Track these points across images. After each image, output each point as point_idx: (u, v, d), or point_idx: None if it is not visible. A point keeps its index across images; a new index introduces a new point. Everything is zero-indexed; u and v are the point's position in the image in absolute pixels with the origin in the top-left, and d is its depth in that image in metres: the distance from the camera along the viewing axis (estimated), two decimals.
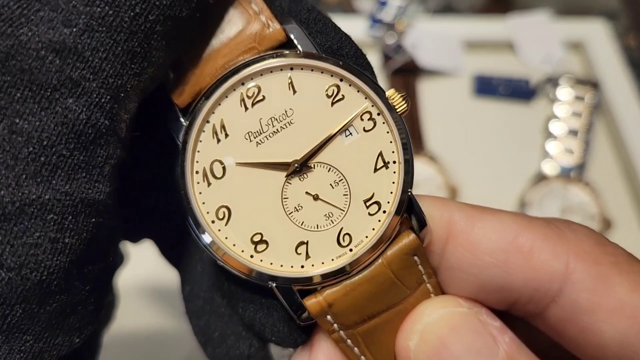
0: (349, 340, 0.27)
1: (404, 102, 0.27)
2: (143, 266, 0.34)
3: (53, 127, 0.22)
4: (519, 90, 0.97)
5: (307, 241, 0.26)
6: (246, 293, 0.28)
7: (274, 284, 0.26)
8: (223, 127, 0.26)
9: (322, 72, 0.26)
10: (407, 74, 0.97)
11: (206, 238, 0.26)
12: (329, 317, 0.26)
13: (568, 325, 0.25)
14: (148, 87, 0.25)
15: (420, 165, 0.85)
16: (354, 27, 1.01)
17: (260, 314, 0.28)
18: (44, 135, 0.22)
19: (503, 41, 1.01)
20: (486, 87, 0.97)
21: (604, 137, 0.93)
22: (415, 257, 0.27)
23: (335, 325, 0.26)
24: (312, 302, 0.26)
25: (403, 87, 0.96)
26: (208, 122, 0.26)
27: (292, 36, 0.26)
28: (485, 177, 0.88)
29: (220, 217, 0.26)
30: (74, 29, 0.22)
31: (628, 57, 1.00)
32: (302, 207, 0.26)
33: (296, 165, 0.26)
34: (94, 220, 0.24)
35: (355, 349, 0.27)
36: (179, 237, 0.33)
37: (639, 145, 0.87)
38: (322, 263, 0.26)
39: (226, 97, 0.26)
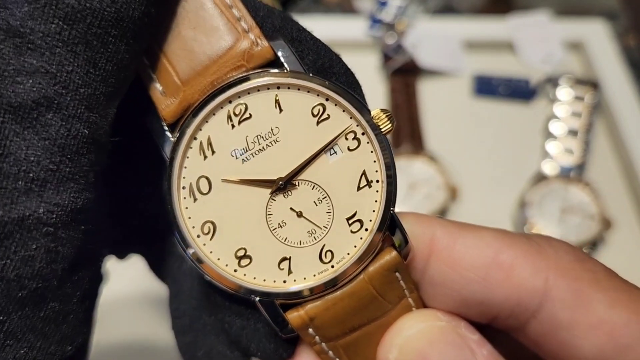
0: (330, 352, 0.28)
1: (388, 121, 0.27)
2: (134, 276, 0.34)
3: (36, 143, 0.23)
4: (519, 91, 0.97)
5: (290, 257, 0.27)
6: (233, 308, 0.28)
7: (257, 298, 0.26)
8: (210, 144, 0.26)
9: (308, 92, 0.27)
10: (407, 74, 0.97)
11: (191, 252, 0.26)
12: (310, 330, 0.27)
13: (548, 340, 0.26)
14: (120, 89, 0.26)
15: (420, 165, 0.85)
16: (354, 27, 1.01)
17: (247, 330, 0.28)
18: (30, 152, 0.23)
19: (503, 41, 1.01)
20: (486, 87, 0.97)
21: (604, 137, 0.93)
22: (397, 274, 0.27)
23: (317, 337, 0.27)
24: (294, 316, 0.27)
25: (403, 87, 0.96)
26: (195, 138, 0.26)
27: (280, 55, 0.27)
28: (485, 177, 0.88)
29: (206, 232, 0.27)
30: (38, 51, 0.23)
31: (628, 57, 1.00)
32: (285, 223, 0.27)
33: (280, 182, 0.26)
34: (83, 227, 0.25)
35: None
36: (167, 252, 0.33)
37: (639, 145, 0.87)
38: (304, 278, 0.27)
39: (213, 114, 0.26)
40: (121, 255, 0.35)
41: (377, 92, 0.97)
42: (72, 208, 0.24)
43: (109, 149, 0.26)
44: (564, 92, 0.94)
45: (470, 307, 0.27)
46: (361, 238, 0.27)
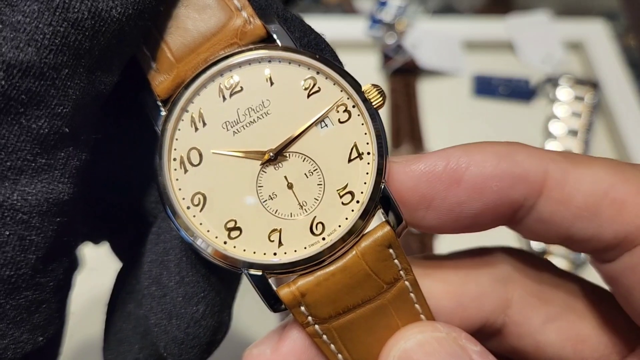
0: (324, 336, 0.27)
1: (379, 96, 0.27)
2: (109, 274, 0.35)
3: (18, 136, 0.24)
4: (519, 91, 0.97)
5: (280, 229, 0.27)
6: (179, 294, 0.29)
7: (246, 271, 0.26)
8: (201, 116, 0.27)
9: (299, 65, 0.27)
10: (407, 74, 0.97)
11: (181, 223, 0.26)
12: (302, 308, 0.26)
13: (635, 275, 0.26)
14: (104, 91, 0.26)
15: None
16: (354, 27, 1.01)
17: (162, 328, 0.29)
18: (9, 143, 0.24)
19: (503, 41, 1.01)
20: (486, 87, 0.97)
21: (604, 137, 0.93)
22: (391, 250, 0.27)
23: (309, 318, 0.27)
24: (285, 292, 0.26)
25: (403, 87, 0.96)
26: (187, 111, 0.27)
27: (272, 31, 0.27)
28: None
29: (196, 203, 0.26)
30: (38, 48, 0.23)
31: (627, 57, 1.00)
32: (276, 195, 0.27)
33: (271, 154, 0.26)
34: (58, 219, 0.26)
35: (332, 345, 0.27)
36: (136, 237, 0.33)
37: (638, 145, 0.87)
38: (295, 251, 0.26)
39: (205, 87, 0.27)
40: (96, 240, 0.36)
41: None
42: (47, 198, 0.25)
43: (90, 145, 0.27)
44: (564, 92, 0.94)
45: (575, 243, 0.27)
46: (352, 210, 0.27)
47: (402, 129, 0.92)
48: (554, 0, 1.15)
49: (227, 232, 0.26)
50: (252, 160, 0.27)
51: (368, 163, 0.27)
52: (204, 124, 0.27)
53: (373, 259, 0.27)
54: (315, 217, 0.27)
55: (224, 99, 0.27)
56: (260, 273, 0.26)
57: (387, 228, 0.27)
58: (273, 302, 0.27)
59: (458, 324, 0.28)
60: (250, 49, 0.27)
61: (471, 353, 0.26)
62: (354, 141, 0.27)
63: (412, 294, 0.28)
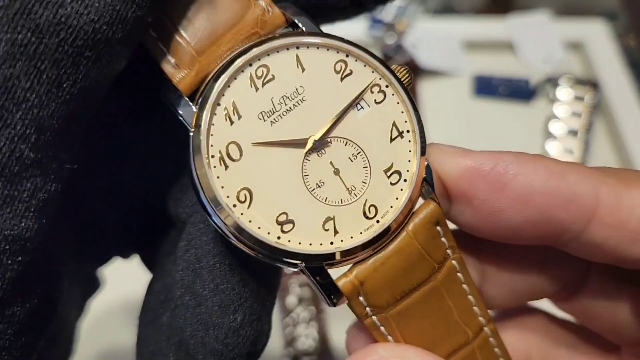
0: (382, 327, 0.26)
1: (408, 75, 0.27)
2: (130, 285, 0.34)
3: None
4: (519, 91, 0.97)
5: (334, 216, 0.26)
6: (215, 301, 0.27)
7: (304, 265, 0.25)
8: (235, 108, 0.25)
9: (327, 49, 0.26)
10: None
11: (229, 223, 0.25)
12: (361, 298, 0.26)
13: None
14: (87, 112, 0.24)
15: None
16: (353, 27, 1.01)
17: (199, 339, 0.27)
18: None
19: (503, 41, 1.01)
20: (486, 87, 0.97)
21: (604, 137, 0.93)
22: (438, 228, 0.26)
23: (367, 308, 0.26)
24: (343, 282, 0.25)
25: None
26: (219, 104, 0.25)
27: (294, 18, 0.27)
28: None
29: (242, 200, 0.25)
30: None
31: (628, 58, 1.00)
32: (323, 183, 0.26)
33: (314, 141, 0.26)
34: (20, 258, 0.23)
35: (390, 337, 0.27)
36: (167, 245, 0.32)
37: (639, 146, 0.87)
38: (351, 237, 0.26)
39: (235, 78, 0.25)
40: (125, 254, 0.34)
41: None
42: (6, 235, 0.22)
43: (66, 176, 0.24)
44: (564, 92, 0.94)
45: (628, 264, 0.26)
46: (401, 189, 0.26)
47: None
48: (554, 0, 1.15)
49: (279, 227, 0.25)
50: (295, 149, 0.26)
51: (409, 141, 0.27)
52: (239, 117, 0.25)
53: (424, 237, 0.26)
54: (366, 200, 0.26)
55: (257, 89, 0.26)
56: (318, 265, 0.25)
57: (433, 204, 0.26)
58: (333, 295, 0.25)
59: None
60: (276, 37, 0.26)
61: None
62: (393, 120, 0.27)
63: (459, 274, 0.27)
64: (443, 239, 0.27)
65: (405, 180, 0.26)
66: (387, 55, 0.98)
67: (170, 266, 0.30)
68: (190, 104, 0.26)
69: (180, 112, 0.26)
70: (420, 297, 0.27)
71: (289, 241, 0.25)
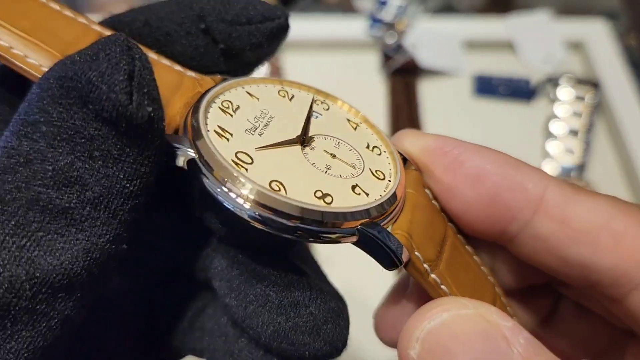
0: (443, 287, 0.26)
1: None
2: None
3: None
4: (519, 90, 0.96)
5: (356, 184, 0.27)
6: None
7: (361, 226, 0.25)
8: (223, 129, 0.26)
9: (265, 85, 0.30)
10: (407, 74, 0.97)
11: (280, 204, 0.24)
12: (417, 253, 0.26)
13: None
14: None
15: None
16: (353, 26, 1.00)
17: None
18: None
19: (503, 41, 1.01)
20: (486, 87, 0.97)
21: (605, 137, 0.93)
22: (427, 191, 0.29)
23: (425, 265, 0.26)
24: (398, 234, 0.25)
25: (403, 87, 0.96)
26: (208, 130, 0.26)
27: (222, 77, 0.29)
28: None
29: (277, 189, 0.25)
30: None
31: (629, 57, 0.99)
32: (330, 166, 0.27)
33: (302, 137, 0.28)
34: None
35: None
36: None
37: (639, 146, 0.87)
38: (380, 195, 0.27)
39: (208, 112, 0.27)
40: None
41: (377, 92, 0.97)
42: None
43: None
44: (565, 92, 0.94)
45: (572, 268, 0.26)
46: (387, 157, 0.29)
47: (402, 128, 0.91)
48: (554, 0, 1.14)
49: (321, 200, 0.25)
50: (292, 146, 0.27)
51: (367, 128, 0.30)
52: (231, 134, 0.26)
53: (423, 195, 0.28)
54: (370, 168, 0.28)
55: (231, 115, 0.27)
56: (372, 221, 0.25)
57: (414, 171, 0.29)
58: (395, 247, 0.25)
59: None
60: (219, 84, 0.28)
61: (504, 330, 0.23)
62: (345, 117, 0.30)
63: (458, 235, 0.29)
64: (434, 201, 0.29)
65: (385, 151, 0.29)
66: (387, 55, 0.98)
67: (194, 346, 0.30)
68: (179, 139, 0.26)
69: (175, 148, 0.25)
70: (450, 252, 0.28)
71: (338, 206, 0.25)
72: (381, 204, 0.26)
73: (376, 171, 0.28)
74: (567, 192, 0.27)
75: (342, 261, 0.59)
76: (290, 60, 0.97)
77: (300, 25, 0.99)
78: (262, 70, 0.94)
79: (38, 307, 0.20)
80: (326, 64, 0.98)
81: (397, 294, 0.32)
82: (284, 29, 0.30)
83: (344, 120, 0.30)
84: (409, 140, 0.30)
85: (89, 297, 0.23)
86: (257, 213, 0.24)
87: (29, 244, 0.20)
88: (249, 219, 0.24)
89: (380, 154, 0.29)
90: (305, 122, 0.28)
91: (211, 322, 0.29)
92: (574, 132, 0.91)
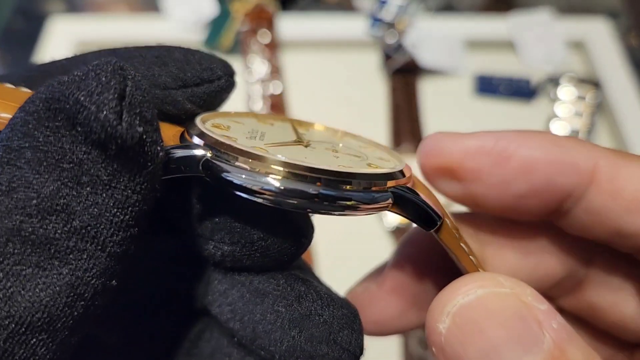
0: (471, 257, 0.26)
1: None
2: None
3: None
4: (520, 90, 0.96)
5: (370, 162, 0.27)
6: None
7: (394, 187, 0.24)
8: (227, 137, 0.25)
9: (242, 117, 0.29)
10: (408, 73, 0.97)
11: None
12: (446, 219, 0.25)
13: None
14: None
15: None
16: (354, 26, 1.00)
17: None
18: None
19: (504, 40, 1.01)
20: (487, 86, 0.97)
21: (606, 137, 0.92)
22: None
23: (454, 231, 0.26)
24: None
25: (403, 86, 0.96)
26: (214, 133, 0.25)
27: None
28: None
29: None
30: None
31: (630, 57, 0.99)
32: (337, 156, 0.27)
33: (301, 139, 0.27)
34: None
35: (473, 259, 0.26)
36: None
37: None
38: (395, 165, 0.27)
39: (205, 125, 0.25)
40: None
41: (377, 92, 0.96)
42: None
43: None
44: (566, 92, 0.94)
45: (625, 238, 0.26)
46: (385, 152, 0.30)
47: (402, 128, 0.91)
48: None
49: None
50: (297, 145, 0.27)
51: (352, 138, 0.31)
52: (235, 139, 0.25)
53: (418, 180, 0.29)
54: (374, 157, 0.28)
55: (227, 128, 0.26)
56: (402, 183, 0.25)
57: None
58: (432, 211, 0.24)
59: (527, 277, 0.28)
60: (198, 116, 0.27)
61: (537, 313, 0.22)
62: (330, 133, 0.31)
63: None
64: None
65: (382, 151, 0.30)
66: (387, 55, 0.98)
67: None
68: (191, 151, 0.24)
69: (183, 153, 0.24)
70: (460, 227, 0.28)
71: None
72: (401, 171, 0.25)
73: (379, 159, 0.28)
74: (616, 163, 0.26)
75: (341, 274, 0.59)
76: (290, 60, 0.97)
77: (300, 25, 0.99)
78: (262, 70, 0.94)
79: (15, 350, 0.18)
80: (326, 63, 0.98)
81: (371, 280, 0.32)
82: (225, 90, 0.27)
83: (330, 133, 0.30)
84: (447, 145, 0.28)
85: (74, 336, 0.21)
86: (289, 187, 0.22)
87: (5, 278, 0.18)
88: (278, 194, 0.22)
89: (375, 152, 0.29)
90: (295, 132, 0.28)
91: (209, 347, 0.28)
92: (575, 132, 0.91)
